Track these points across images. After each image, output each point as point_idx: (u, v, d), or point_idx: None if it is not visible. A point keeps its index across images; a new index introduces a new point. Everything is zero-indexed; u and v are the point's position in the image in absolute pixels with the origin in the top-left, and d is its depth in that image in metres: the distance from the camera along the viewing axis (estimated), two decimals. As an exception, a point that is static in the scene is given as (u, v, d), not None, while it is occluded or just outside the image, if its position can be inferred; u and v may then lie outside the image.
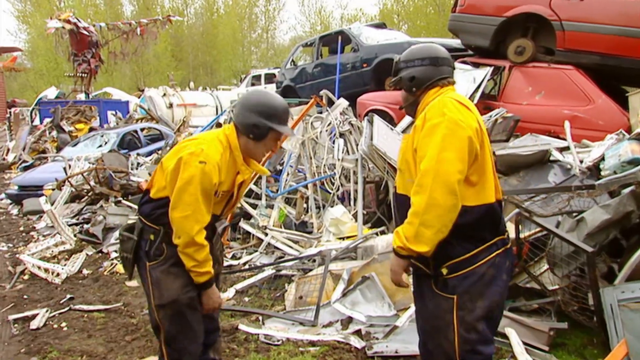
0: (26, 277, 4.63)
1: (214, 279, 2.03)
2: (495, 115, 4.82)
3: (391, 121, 6.05)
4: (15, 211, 7.44)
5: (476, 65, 5.97)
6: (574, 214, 3.14)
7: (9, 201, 7.91)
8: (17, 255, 5.07)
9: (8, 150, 13.64)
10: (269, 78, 15.03)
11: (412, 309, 3.25)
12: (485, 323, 1.73)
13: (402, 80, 1.88)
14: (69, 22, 14.99)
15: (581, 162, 3.85)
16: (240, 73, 26.13)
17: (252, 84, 16.74)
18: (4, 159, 12.98)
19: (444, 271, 1.70)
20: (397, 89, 1.96)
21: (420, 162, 1.65)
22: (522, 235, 3.04)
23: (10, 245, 5.71)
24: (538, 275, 3.13)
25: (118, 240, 2.17)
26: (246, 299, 3.92)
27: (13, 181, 8.32)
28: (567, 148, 4.20)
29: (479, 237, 1.71)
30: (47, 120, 14.20)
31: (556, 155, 4.08)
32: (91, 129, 12.20)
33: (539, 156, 4.13)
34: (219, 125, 7.59)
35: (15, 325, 3.58)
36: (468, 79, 5.58)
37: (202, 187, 1.86)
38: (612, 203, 2.81)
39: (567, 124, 4.52)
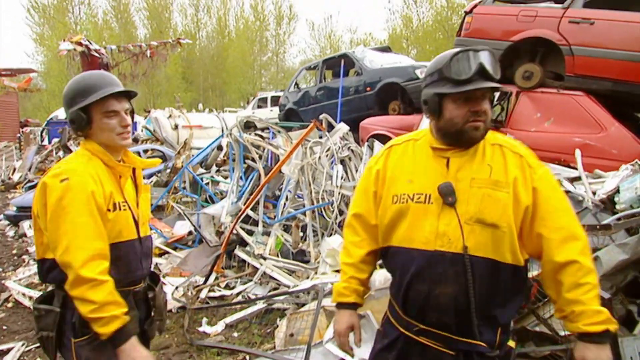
0: (10, 304, 4.45)
1: (130, 328, 1.52)
2: (502, 142, 4.61)
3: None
4: (11, 233, 7.32)
5: (482, 90, 5.81)
6: (587, 252, 2.89)
7: (6, 222, 7.80)
8: (3, 281, 4.90)
9: (14, 169, 13.70)
10: (275, 100, 15.04)
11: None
12: None
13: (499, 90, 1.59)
14: (80, 44, 15.20)
15: (594, 193, 3.60)
16: (249, 95, 26.35)
17: (259, 106, 16.79)
18: (9, 179, 13.01)
19: (512, 343, 1.43)
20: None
21: (547, 214, 1.39)
22: (530, 274, 2.79)
23: (0, 269, 5.55)
24: (548, 318, 2.87)
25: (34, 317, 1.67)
26: (235, 334, 3.69)
27: (12, 202, 8.23)
28: (578, 178, 3.97)
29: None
30: (55, 140, 14.32)
31: (566, 185, 3.84)
32: (96, 150, 12.19)
33: (548, 186, 3.90)
34: (219, 147, 7.46)
35: (-12, 359, 3.38)
36: (474, 104, 5.40)
37: (78, 205, 1.49)
38: (630, 242, 2.57)
39: (578, 153, 4.30)
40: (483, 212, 1.38)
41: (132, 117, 1.74)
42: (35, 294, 4.43)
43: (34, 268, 5.04)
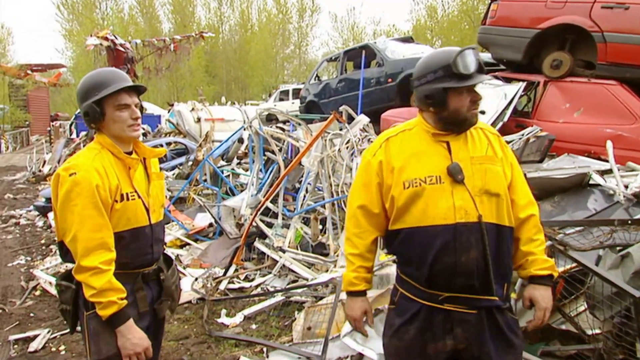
0: (37, 293, 4.58)
1: (127, 312, 1.69)
2: (528, 133, 4.46)
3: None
4: (40, 223, 7.55)
5: (508, 80, 5.62)
6: (618, 248, 2.75)
7: (36, 213, 8.05)
8: (32, 270, 5.05)
9: (44, 162, 14.13)
10: (297, 93, 15.00)
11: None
12: None
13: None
14: (106, 39, 15.50)
15: (626, 187, 3.44)
16: (272, 88, 26.40)
17: (281, 99, 16.79)
18: (40, 171, 13.41)
19: (514, 295, 1.81)
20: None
21: (517, 184, 1.70)
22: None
23: (29, 258, 5.73)
24: (574, 316, 2.75)
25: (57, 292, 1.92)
26: (253, 326, 3.70)
27: (41, 193, 8.49)
28: (609, 171, 3.79)
29: None
30: (83, 133, 14.68)
31: (597, 179, 3.68)
32: (122, 143, 12.40)
33: (576, 180, 3.74)
34: (240, 140, 7.48)
35: (15, 346, 3.48)
36: (498, 94, 5.23)
37: (84, 198, 1.62)
38: (664, 238, 2.42)
39: (609, 144, 4.11)
40: (488, 184, 1.62)
41: (141, 112, 1.84)
42: (61, 282, 4.55)
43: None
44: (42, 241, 6.42)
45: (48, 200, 7.78)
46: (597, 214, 3.34)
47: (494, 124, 4.97)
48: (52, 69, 29.51)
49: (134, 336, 1.69)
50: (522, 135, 4.47)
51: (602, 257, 2.78)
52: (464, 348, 1.61)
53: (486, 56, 6.68)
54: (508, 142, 4.43)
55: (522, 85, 5.18)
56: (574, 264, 2.65)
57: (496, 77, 5.72)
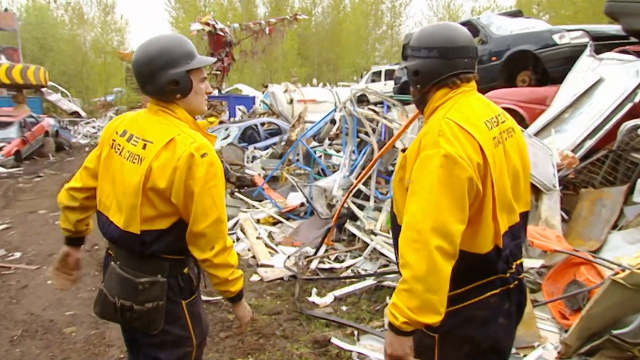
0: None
1: None
2: (667, 117, 3.83)
3: (522, 121, 5.26)
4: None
5: (640, 54, 4.88)
6: None
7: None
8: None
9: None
10: (389, 74, 14.65)
11: (539, 350, 2.69)
12: None
13: (407, 71, 1.54)
14: (208, 24, 16.38)
15: None
16: (363, 69, 26.09)
17: (372, 80, 16.53)
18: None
19: None
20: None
21: (412, 199, 1.37)
22: None
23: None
24: None
25: (137, 290, 1.59)
26: (344, 307, 3.69)
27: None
28: None
29: (466, 279, 1.45)
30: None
31: None
32: (221, 122, 13.18)
33: None
34: (333, 121, 7.47)
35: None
36: (629, 72, 4.56)
37: (220, 179, 1.59)
38: None
39: None
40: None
41: None
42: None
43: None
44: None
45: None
46: None
47: (621, 105, 4.37)
48: (161, 54, 32.04)
49: (246, 305, 1.77)
50: (659, 119, 3.85)
51: None
52: None
53: (614, 28, 5.88)
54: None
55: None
56: None
57: (626, 52, 5.00)
